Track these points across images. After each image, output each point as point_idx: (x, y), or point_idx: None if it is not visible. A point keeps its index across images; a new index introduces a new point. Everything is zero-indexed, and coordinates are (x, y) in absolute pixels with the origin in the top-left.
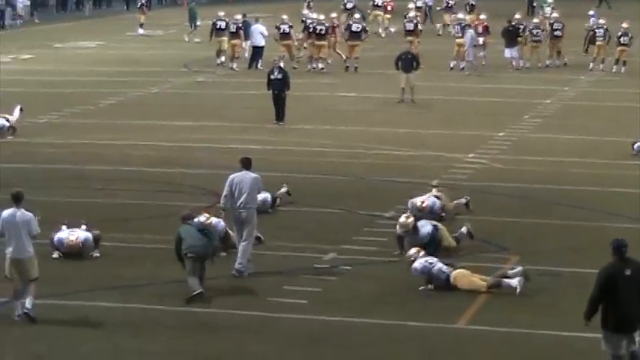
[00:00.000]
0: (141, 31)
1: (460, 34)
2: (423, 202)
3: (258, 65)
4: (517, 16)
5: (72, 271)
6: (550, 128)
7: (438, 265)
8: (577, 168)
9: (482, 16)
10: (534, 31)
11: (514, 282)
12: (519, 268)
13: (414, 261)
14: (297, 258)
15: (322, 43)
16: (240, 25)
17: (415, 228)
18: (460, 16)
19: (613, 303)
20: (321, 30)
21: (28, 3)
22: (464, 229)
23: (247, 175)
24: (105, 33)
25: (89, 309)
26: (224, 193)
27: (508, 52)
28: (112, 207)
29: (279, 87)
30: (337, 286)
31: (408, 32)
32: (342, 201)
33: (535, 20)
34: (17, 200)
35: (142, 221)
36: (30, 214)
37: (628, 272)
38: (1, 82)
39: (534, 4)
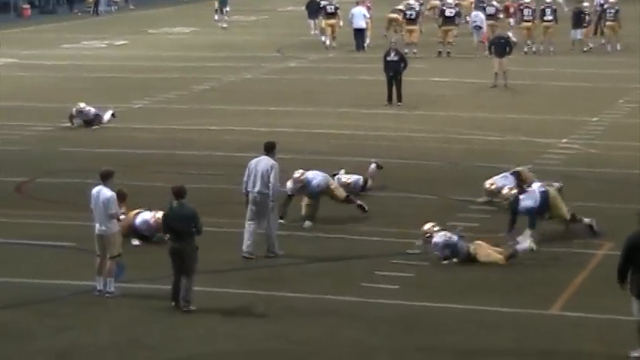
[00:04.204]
0: (216, 17)
1: (531, 18)
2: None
3: (365, 46)
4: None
5: (165, 256)
6: None
7: (456, 238)
8: None
9: None
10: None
11: (526, 244)
12: (527, 235)
13: (430, 236)
14: (390, 243)
15: (413, 27)
16: (338, 5)
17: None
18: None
19: (637, 270)
20: (411, 15)
21: None
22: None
23: (264, 161)
24: (199, 18)
25: None
26: (244, 178)
27: (573, 34)
28: (205, 191)
29: (395, 68)
30: (429, 271)
31: (490, 17)
32: (435, 186)
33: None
34: (103, 178)
35: (234, 206)
36: (110, 193)
37: None
38: (95, 67)
39: None
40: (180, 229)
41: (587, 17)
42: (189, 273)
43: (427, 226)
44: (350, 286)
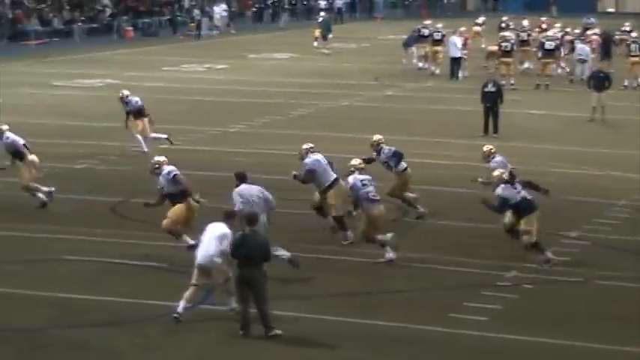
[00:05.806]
0: (315, 44)
1: (638, 53)
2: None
3: (459, 76)
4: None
5: None
6: None
7: (369, 188)
8: None
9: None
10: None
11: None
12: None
13: (352, 172)
14: (479, 274)
15: (508, 60)
16: (444, 33)
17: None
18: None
19: None
20: (506, 47)
21: (226, 14)
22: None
23: (254, 190)
24: (299, 45)
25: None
26: (239, 207)
27: None
28: (296, 217)
29: (492, 100)
30: (518, 304)
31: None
32: None
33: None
34: (226, 218)
35: (317, 232)
36: (225, 231)
37: None
38: (194, 90)
39: None
40: (254, 256)
41: None
42: (264, 300)
43: (355, 162)
44: (438, 316)
